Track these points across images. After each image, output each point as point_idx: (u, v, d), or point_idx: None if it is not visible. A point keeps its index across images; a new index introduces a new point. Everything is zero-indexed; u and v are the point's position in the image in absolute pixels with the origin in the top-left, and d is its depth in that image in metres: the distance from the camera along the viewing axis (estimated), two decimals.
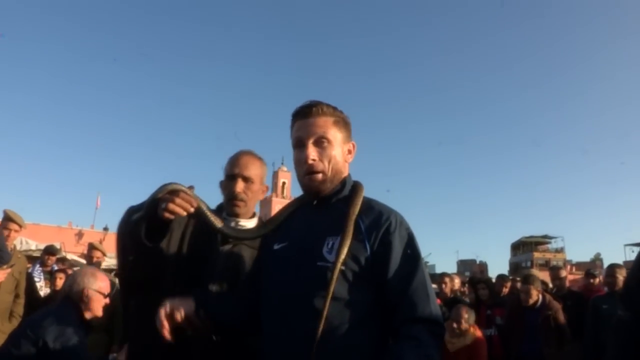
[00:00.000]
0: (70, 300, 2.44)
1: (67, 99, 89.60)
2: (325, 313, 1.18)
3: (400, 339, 1.19)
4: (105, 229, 30.09)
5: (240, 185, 1.68)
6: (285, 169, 55.71)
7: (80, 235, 30.68)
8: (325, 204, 1.39)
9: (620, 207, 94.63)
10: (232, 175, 1.70)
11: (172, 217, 1.34)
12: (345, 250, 1.24)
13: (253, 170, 1.72)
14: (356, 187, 1.41)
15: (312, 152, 1.37)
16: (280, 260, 1.35)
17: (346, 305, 1.22)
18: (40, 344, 2.15)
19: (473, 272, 33.18)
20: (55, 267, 5.59)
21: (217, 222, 1.46)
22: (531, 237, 53.65)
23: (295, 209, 1.48)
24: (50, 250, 5.83)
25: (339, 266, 1.22)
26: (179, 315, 1.31)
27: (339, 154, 1.40)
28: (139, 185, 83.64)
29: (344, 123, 1.42)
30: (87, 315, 2.41)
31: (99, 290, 2.47)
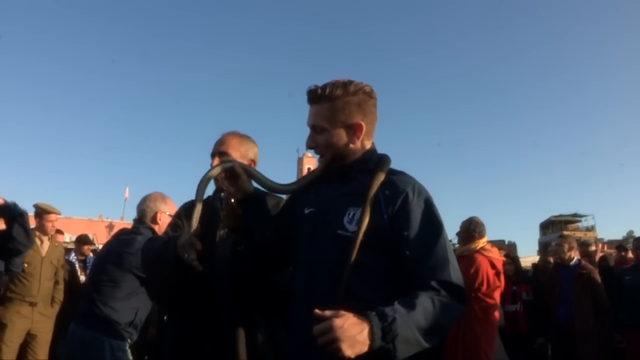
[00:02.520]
0: (143, 223, 2.63)
1: (94, 94, 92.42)
2: (344, 279, 1.23)
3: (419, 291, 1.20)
4: (135, 219, 29.59)
5: (216, 161, 1.76)
6: (309, 154, 56.15)
7: (110, 227, 30.68)
8: (348, 177, 1.41)
9: None
10: (212, 154, 1.83)
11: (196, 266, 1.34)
12: (366, 221, 1.27)
13: (230, 145, 1.82)
14: (381, 160, 1.42)
15: (308, 139, 1.44)
16: (307, 226, 1.41)
17: (364, 272, 1.26)
18: (133, 267, 2.39)
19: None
20: (91, 256, 5.77)
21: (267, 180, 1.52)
22: (560, 215, 52.18)
23: (321, 173, 1.48)
24: (84, 240, 6.00)
25: (360, 236, 1.26)
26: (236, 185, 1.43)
27: (337, 140, 1.39)
28: (164, 176, 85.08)
29: (349, 103, 1.38)
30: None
31: (171, 214, 2.55)
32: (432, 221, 1.32)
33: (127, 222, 29.96)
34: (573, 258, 4.51)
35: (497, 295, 3.84)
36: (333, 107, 1.38)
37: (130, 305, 2.53)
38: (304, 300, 1.32)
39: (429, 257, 1.25)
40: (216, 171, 1.45)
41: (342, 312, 1.06)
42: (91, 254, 5.90)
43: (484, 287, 3.74)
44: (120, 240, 2.67)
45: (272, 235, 1.47)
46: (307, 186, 1.50)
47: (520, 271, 5.23)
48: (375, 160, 1.42)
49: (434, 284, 1.21)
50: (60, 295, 4.57)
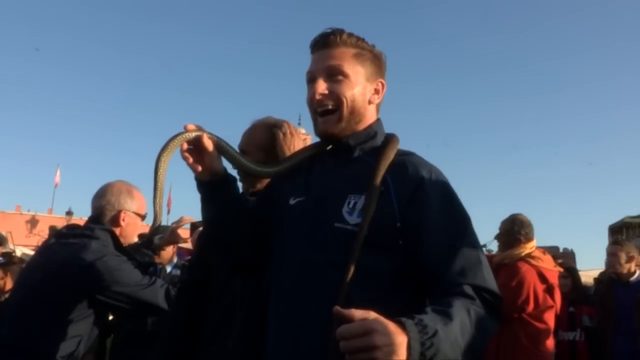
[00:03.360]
0: (100, 223, 2.09)
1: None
2: (345, 284, 1.07)
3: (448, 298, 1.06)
4: (69, 212, 20.90)
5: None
6: (303, 130, 52.62)
7: (33, 222, 23.88)
8: (348, 154, 1.25)
9: None
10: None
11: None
12: (371, 211, 1.11)
13: (247, 140, 1.76)
14: (389, 138, 1.27)
15: (321, 86, 1.22)
16: (296, 219, 1.24)
17: (370, 275, 1.10)
18: (85, 286, 1.90)
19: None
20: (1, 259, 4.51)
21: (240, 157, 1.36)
22: (638, 217, 43.90)
23: (312, 154, 1.34)
24: None
25: (364, 230, 1.10)
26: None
27: (359, 92, 1.24)
28: (112, 153, 57.67)
29: (371, 57, 1.28)
30: (122, 241, 2.10)
31: (137, 212, 2.17)
32: (456, 212, 1.19)
33: (58, 216, 23.64)
34: (635, 272, 3.73)
35: (549, 318, 3.19)
36: (359, 54, 1.26)
37: (72, 333, 1.97)
38: (289, 314, 1.16)
39: (456, 257, 1.11)
40: (177, 141, 1.20)
41: (374, 313, 0.91)
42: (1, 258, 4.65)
43: (531, 307, 3.10)
44: (64, 246, 2.04)
45: (245, 230, 1.29)
46: (293, 168, 1.34)
47: (580, 288, 4.41)
48: (381, 138, 1.28)
49: (467, 289, 1.07)
50: None
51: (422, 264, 1.13)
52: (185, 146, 1.21)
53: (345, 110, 1.23)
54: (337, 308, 0.91)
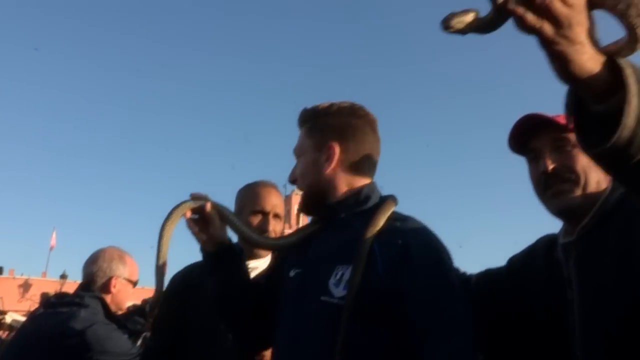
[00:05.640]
0: (91, 290, 2.05)
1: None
2: None
3: None
4: (63, 276, 20.17)
5: (272, 224, 1.66)
6: (299, 191, 48.77)
7: (26, 286, 22.96)
8: (339, 222, 1.21)
9: None
10: (263, 211, 1.67)
11: None
12: (356, 284, 1.06)
13: (280, 206, 1.71)
14: (383, 202, 1.21)
15: (291, 171, 1.31)
16: (292, 291, 1.21)
17: (359, 352, 1.05)
18: (74, 355, 1.81)
19: None
20: None
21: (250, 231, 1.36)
22: None
23: (320, 225, 1.29)
24: None
25: (349, 304, 1.05)
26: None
27: (309, 164, 1.25)
28: (111, 217, 56.46)
29: (318, 123, 1.27)
30: (113, 308, 2.06)
31: (129, 279, 2.13)
32: (440, 282, 1.09)
33: (51, 279, 22.48)
34: None
35: None
36: (311, 128, 1.27)
37: None
38: None
39: (439, 340, 1.03)
40: (181, 209, 1.20)
41: None
42: None
43: None
44: (53, 316, 1.97)
45: (250, 303, 1.26)
46: (299, 241, 1.30)
47: None
48: (374, 201, 1.22)
49: None
50: None
51: (407, 335, 1.06)
52: (189, 214, 1.20)
53: (306, 188, 1.26)
54: None
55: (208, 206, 1.20)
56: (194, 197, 1.22)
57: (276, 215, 1.69)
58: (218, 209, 1.23)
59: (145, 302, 2.55)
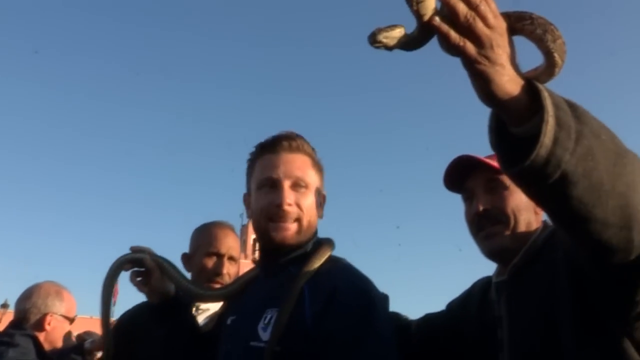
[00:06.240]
0: (23, 328, 1.93)
1: None
2: None
3: None
4: (4, 305, 16.94)
5: (227, 267, 1.63)
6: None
7: None
8: (276, 265, 1.22)
9: None
10: (218, 253, 1.63)
11: None
12: (280, 327, 1.06)
13: (236, 248, 1.70)
14: (320, 244, 1.22)
15: (289, 196, 1.19)
16: (227, 338, 1.22)
17: None
18: None
19: None
20: None
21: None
22: None
23: (255, 274, 1.31)
24: None
25: (271, 347, 1.05)
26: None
27: (314, 203, 1.24)
28: (56, 238, 56.73)
29: (317, 166, 1.28)
30: (47, 347, 1.96)
31: (66, 315, 2.05)
32: (365, 327, 1.06)
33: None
34: None
35: None
36: (315, 166, 1.26)
37: None
38: None
39: None
40: (120, 263, 1.23)
41: None
42: None
43: None
44: None
45: (196, 354, 1.25)
46: (239, 289, 1.30)
47: None
48: (312, 244, 1.22)
49: None
50: None
51: None
52: (130, 266, 1.25)
53: (305, 224, 1.21)
54: None
55: (147, 259, 1.22)
56: (134, 250, 1.25)
57: (231, 258, 1.65)
58: (158, 262, 1.24)
59: (81, 338, 2.41)
